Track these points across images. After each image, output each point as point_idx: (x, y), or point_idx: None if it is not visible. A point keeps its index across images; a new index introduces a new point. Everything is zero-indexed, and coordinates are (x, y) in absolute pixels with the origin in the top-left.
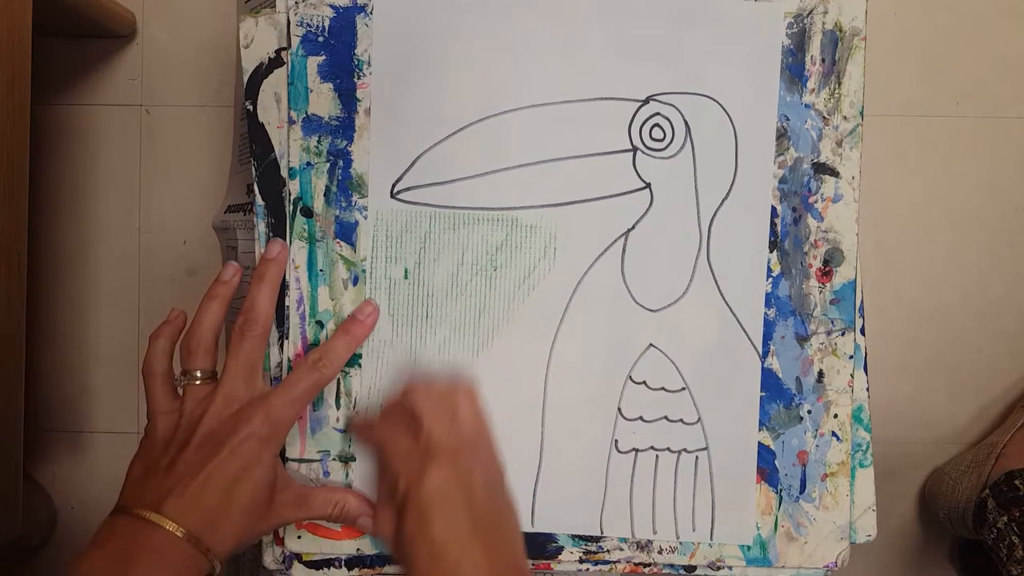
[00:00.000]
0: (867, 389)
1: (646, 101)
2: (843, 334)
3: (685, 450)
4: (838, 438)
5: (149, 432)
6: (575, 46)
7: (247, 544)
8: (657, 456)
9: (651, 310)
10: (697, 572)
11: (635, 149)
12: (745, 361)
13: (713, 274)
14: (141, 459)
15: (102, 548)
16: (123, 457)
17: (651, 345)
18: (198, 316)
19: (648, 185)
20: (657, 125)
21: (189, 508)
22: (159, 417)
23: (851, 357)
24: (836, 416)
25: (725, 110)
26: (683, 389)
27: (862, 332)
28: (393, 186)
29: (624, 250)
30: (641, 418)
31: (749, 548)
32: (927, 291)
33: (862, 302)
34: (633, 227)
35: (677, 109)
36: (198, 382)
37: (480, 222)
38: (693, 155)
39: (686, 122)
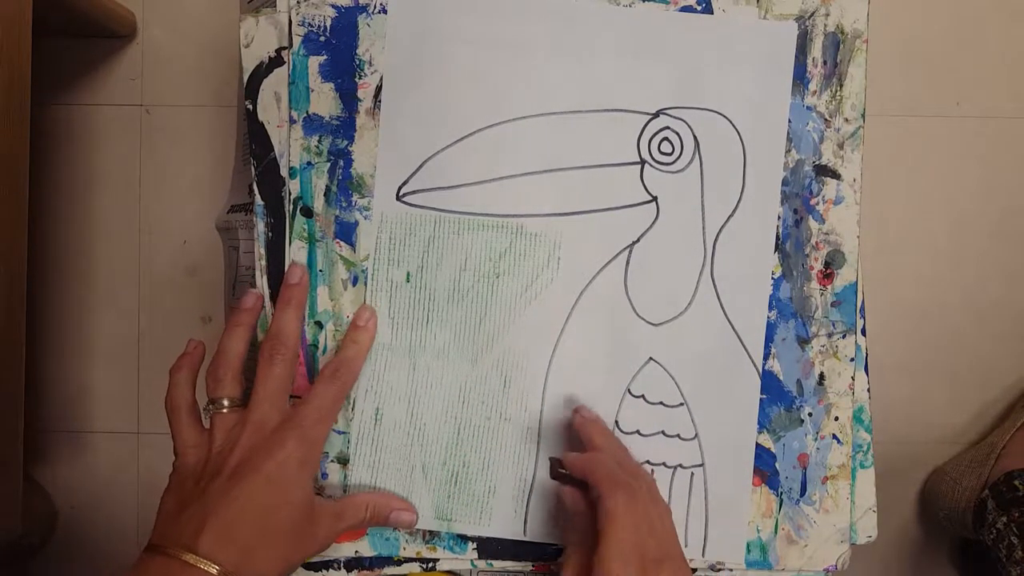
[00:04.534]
0: (868, 390)
1: (656, 115)
2: (844, 336)
3: (681, 466)
4: (839, 441)
5: (178, 467)
6: (587, 57)
7: (291, 571)
8: (652, 471)
9: (652, 324)
10: (697, 573)
11: (643, 162)
12: (744, 379)
13: (716, 290)
14: (172, 493)
15: None
16: (123, 457)
17: (651, 359)
18: (224, 344)
19: (655, 199)
20: (666, 139)
21: (224, 541)
22: (188, 451)
23: (852, 360)
24: (837, 419)
25: (735, 127)
26: (681, 404)
27: (863, 332)
28: (399, 188)
29: (628, 263)
30: (638, 432)
31: (749, 551)
32: (927, 291)
33: (863, 302)
34: (638, 240)
35: (687, 124)
36: (225, 410)
37: (484, 228)
38: (701, 171)
39: (695, 137)
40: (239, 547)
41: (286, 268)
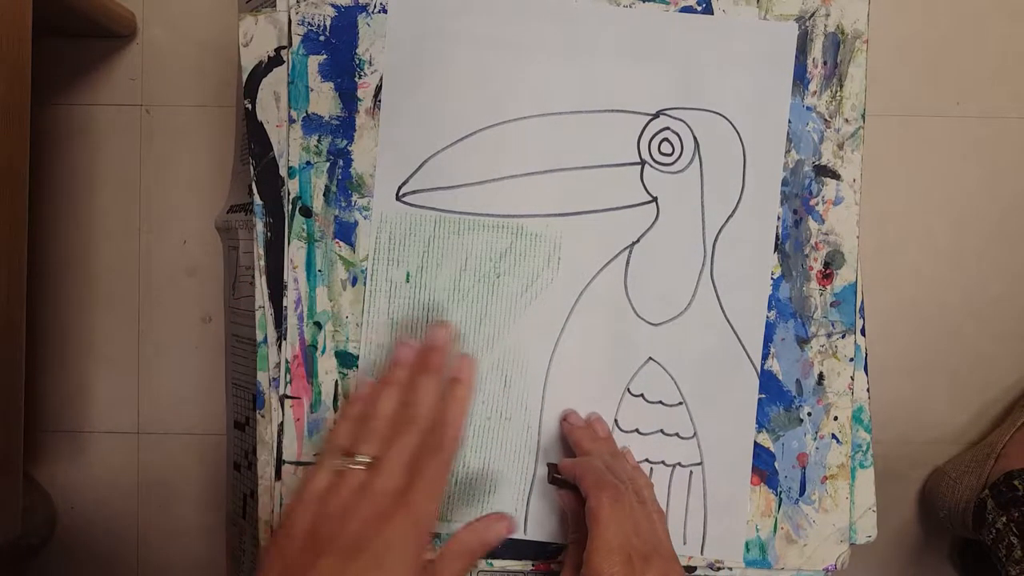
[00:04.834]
0: (867, 390)
1: (656, 115)
2: (843, 336)
3: (680, 464)
4: (838, 441)
5: (294, 518)
6: (587, 58)
7: None
8: (651, 469)
9: (652, 324)
10: (697, 572)
11: (643, 163)
12: (743, 379)
13: (716, 290)
14: (279, 555)
15: None
16: (123, 457)
17: (650, 359)
18: (378, 401)
19: (655, 199)
20: (666, 140)
21: None
22: (311, 501)
23: (851, 360)
24: (836, 419)
25: (735, 128)
26: (680, 404)
27: (862, 333)
28: (399, 188)
29: (628, 263)
30: (637, 431)
31: (748, 550)
32: (927, 291)
33: (862, 302)
34: (638, 240)
35: (687, 124)
36: (358, 467)
37: (485, 228)
38: (701, 171)
39: (695, 138)
40: None
41: (286, 267)
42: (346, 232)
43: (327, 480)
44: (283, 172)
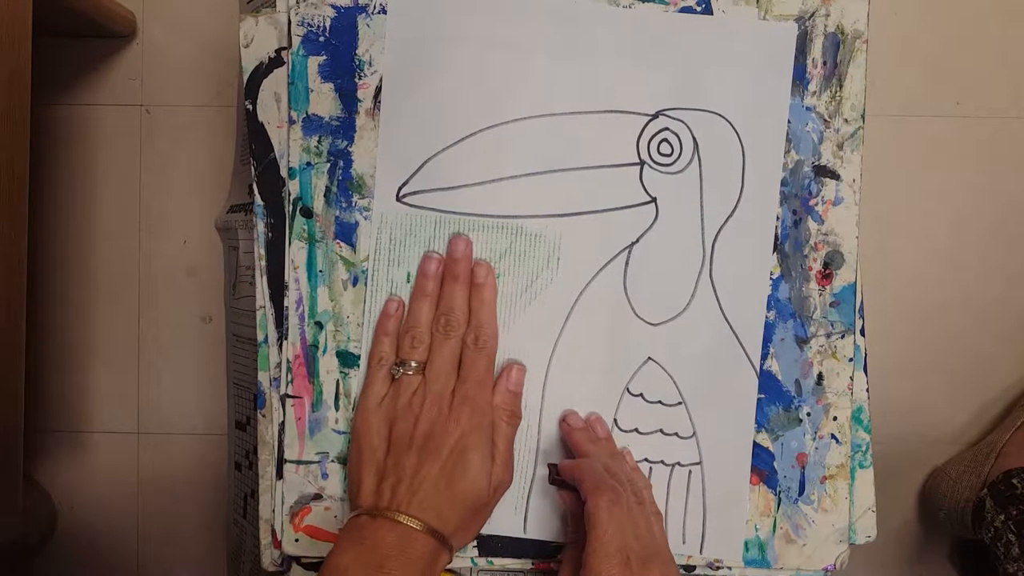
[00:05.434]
0: (867, 390)
1: (655, 116)
2: (843, 337)
3: (679, 464)
4: (837, 441)
5: (368, 426)
6: (587, 58)
7: (483, 524)
8: (651, 468)
9: (651, 324)
10: (696, 572)
11: (642, 163)
12: (742, 379)
13: (715, 290)
14: (369, 464)
15: (355, 546)
16: (123, 457)
17: (650, 359)
18: (415, 313)
19: (654, 199)
20: (665, 140)
21: (424, 507)
22: (377, 410)
23: (851, 360)
24: (835, 419)
25: (734, 128)
26: (679, 403)
27: (862, 333)
28: (399, 189)
29: (627, 263)
30: (636, 430)
31: (747, 549)
32: (927, 291)
33: (862, 303)
34: (637, 240)
35: (686, 125)
36: (411, 373)
37: (484, 229)
38: (700, 172)
39: (694, 138)
40: (437, 512)
41: (287, 268)
42: (347, 232)
43: (384, 388)
44: (284, 173)
